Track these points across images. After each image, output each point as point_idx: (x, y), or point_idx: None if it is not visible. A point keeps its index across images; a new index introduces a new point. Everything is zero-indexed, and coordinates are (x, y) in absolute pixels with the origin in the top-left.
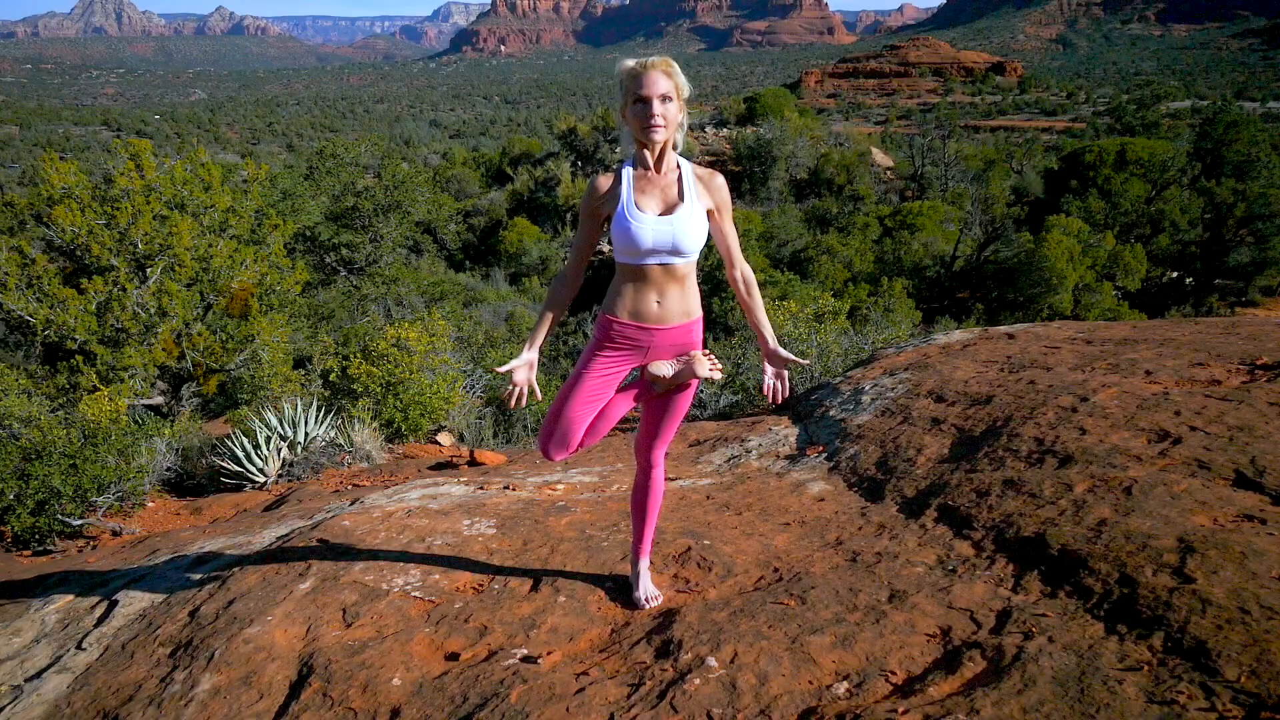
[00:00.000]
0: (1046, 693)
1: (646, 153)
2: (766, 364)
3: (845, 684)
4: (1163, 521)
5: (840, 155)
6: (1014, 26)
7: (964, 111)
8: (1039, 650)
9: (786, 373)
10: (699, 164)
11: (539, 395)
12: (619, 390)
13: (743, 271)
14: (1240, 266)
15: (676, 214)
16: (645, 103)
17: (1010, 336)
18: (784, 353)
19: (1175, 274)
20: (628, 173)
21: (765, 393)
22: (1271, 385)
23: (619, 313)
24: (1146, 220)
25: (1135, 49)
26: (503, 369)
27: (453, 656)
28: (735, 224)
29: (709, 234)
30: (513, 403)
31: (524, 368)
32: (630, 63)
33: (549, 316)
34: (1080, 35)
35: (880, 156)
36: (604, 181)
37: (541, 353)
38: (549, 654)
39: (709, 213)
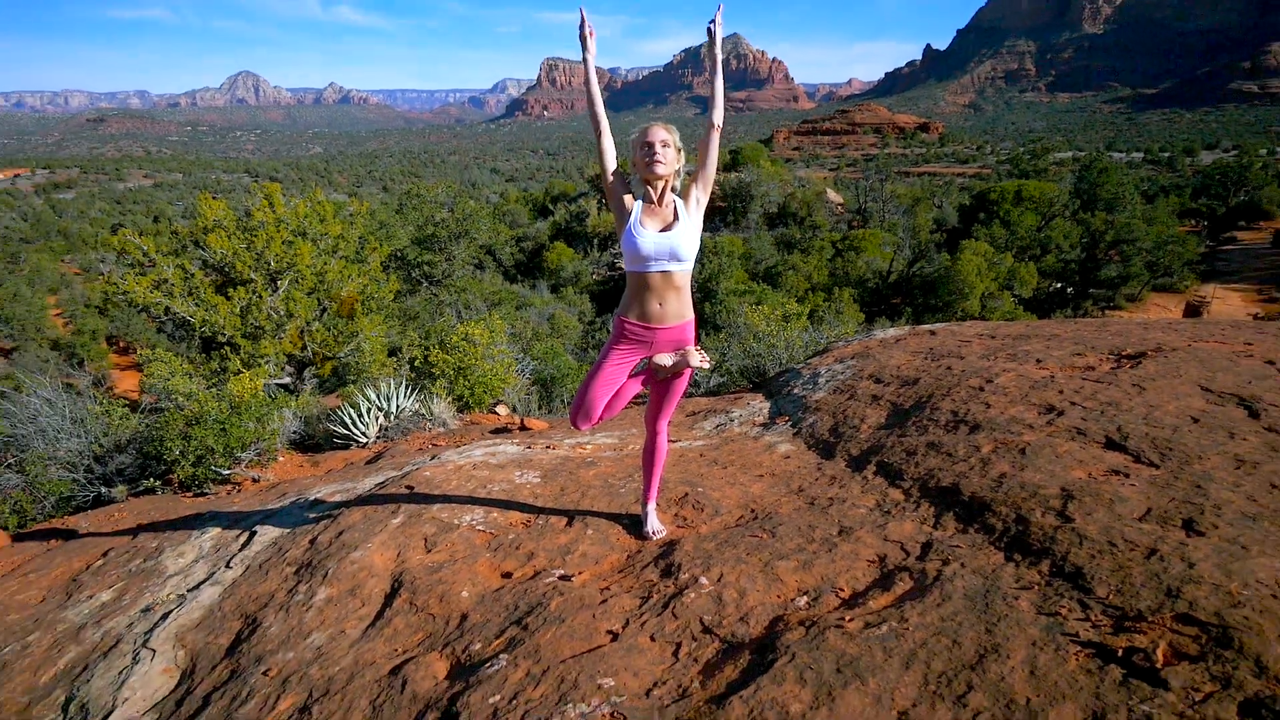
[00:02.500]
0: (959, 605)
1: (650, 189)
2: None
3: (805, 598)
4: (1049, 475)
5: (802, 194)
6: (936, 95)
7: (897, 160)
8: (954, 573)
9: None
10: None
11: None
12: (631, 376)
13: (711, 128)
14: (1109, 279)
15: (673, 230)
16: (649, 146)
17: (932, 333)
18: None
19: (1059, 285)
20: (638, 205)
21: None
22: (1134, 370)
23: (630, 315)
24: (1037, 244)
25: (1029, 112)
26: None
27: (507, 575)
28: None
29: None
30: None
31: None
32: (639, 128)
33: (597, 108)
34: (987, 101)
35: (833, 195)
36: (627, 197)
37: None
38: (580, 574)
39: (700, 175)
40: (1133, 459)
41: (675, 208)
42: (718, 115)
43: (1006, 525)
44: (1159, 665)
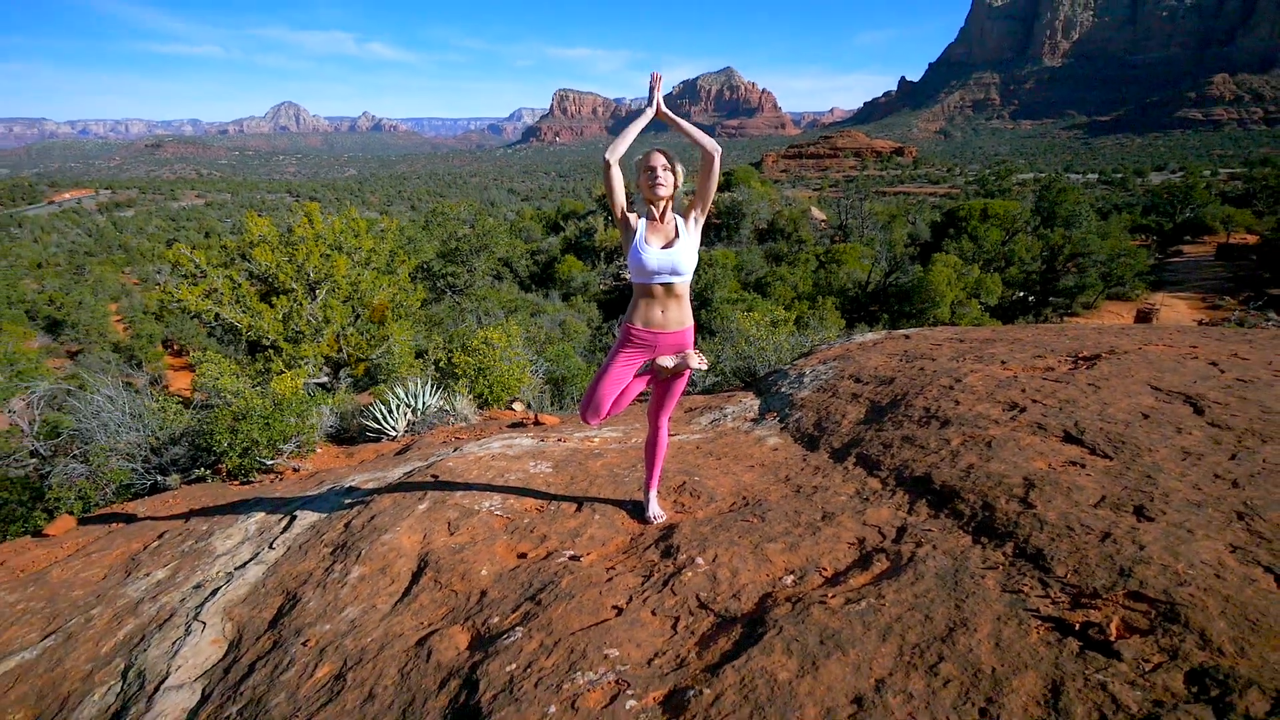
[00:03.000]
0: (931, 584)
1: (654, 208)
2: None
3: (792, 577)
4: (1013, 466)
5: (789, 212)
6: (910, 123)
7: (875, 181)
8: (926, 555)
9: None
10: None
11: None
12: (635, 376)
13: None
14: (1067, 289)
15: (674, 247)
16: (652, 170)
17: (907, 337)
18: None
19: (1022, 294)
20: (642, 222)
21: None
22: (1089, 371)
23: (636, 322)
24: (1002, 257)
25: (995, 138)
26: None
27: (523, 555)
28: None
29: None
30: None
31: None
32: (643, 151)
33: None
34: (957, 128)
35: (817, 212)
36: (631, 216)
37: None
38: (588, 554)
39: (698, 197)
40: (1089, 451)
41: (676, 225)
42: (709, 143)
43: (974, 511)
44: (1112, 638)
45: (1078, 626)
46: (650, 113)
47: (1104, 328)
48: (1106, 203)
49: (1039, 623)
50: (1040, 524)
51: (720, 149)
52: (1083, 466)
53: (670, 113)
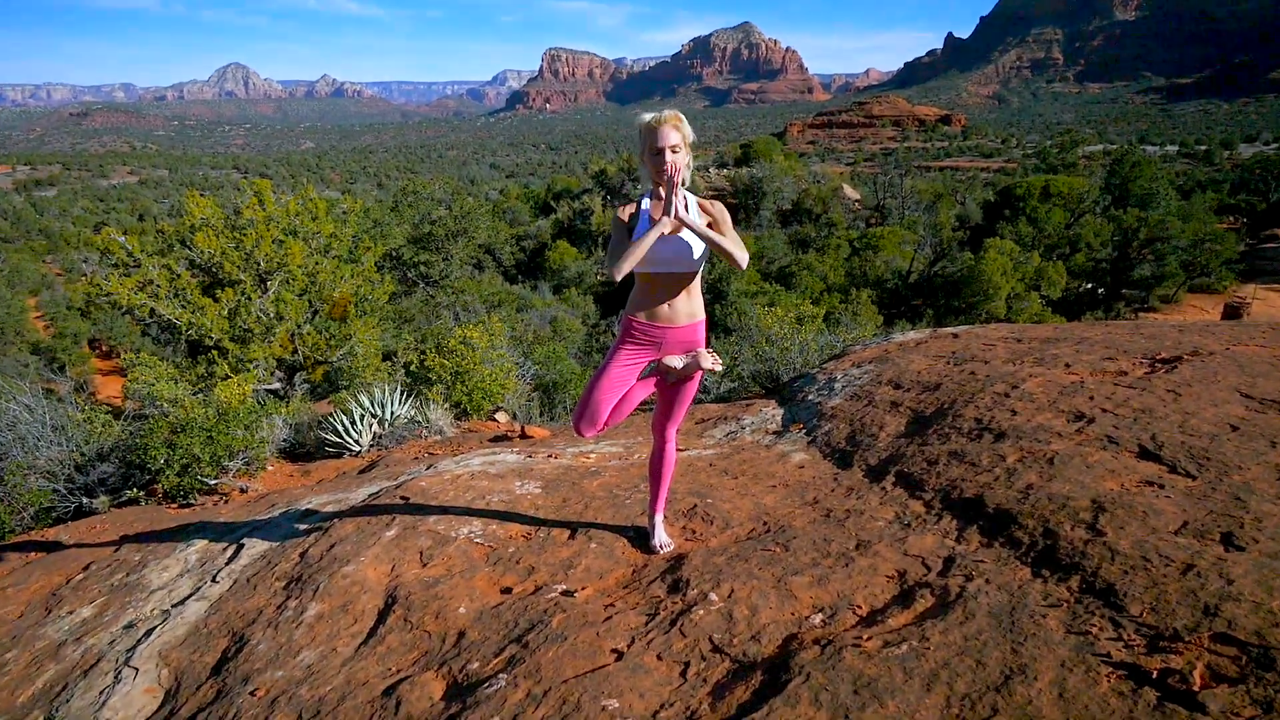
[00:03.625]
0: (983, 624)
1: (661, 189)
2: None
3: (820, 615)
4: (1079, 486)
5: (817, 190)
6: (959, 86)
7: (918, 154)
8: (978, 590)
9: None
10: (702, 196)
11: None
12: (639, 379)
13: (742, 258)
14: (1143, 279)
15: (684, 232)
16: (659, 154)
17: (955, 336)
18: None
19: (1089, 285)
20: (645, 202)
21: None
22: (1169, 375)
23: (638, 314)
24: (1066, 242)
25: (1057, 104)
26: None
27: (507, 590)
28: (737, 232)
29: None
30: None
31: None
32: (647, 117)
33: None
34: (1013, 93)
35: (850, 191)
36: (626, 210)
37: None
38: (583, 589)
39: (710, 226)
40: (1168, 469)
41: (686, 205)
42: (742, 258)
43: (1034, 539)
44: (1196, 688)
45: (1155, 674)
46: (666, 226)
47: (1186, 325)
48: (1188, 179)
49: (1110, 669)
50: (1111, 554)
51: (748, 262)
52: (1161, 487)
53: (691, 221)
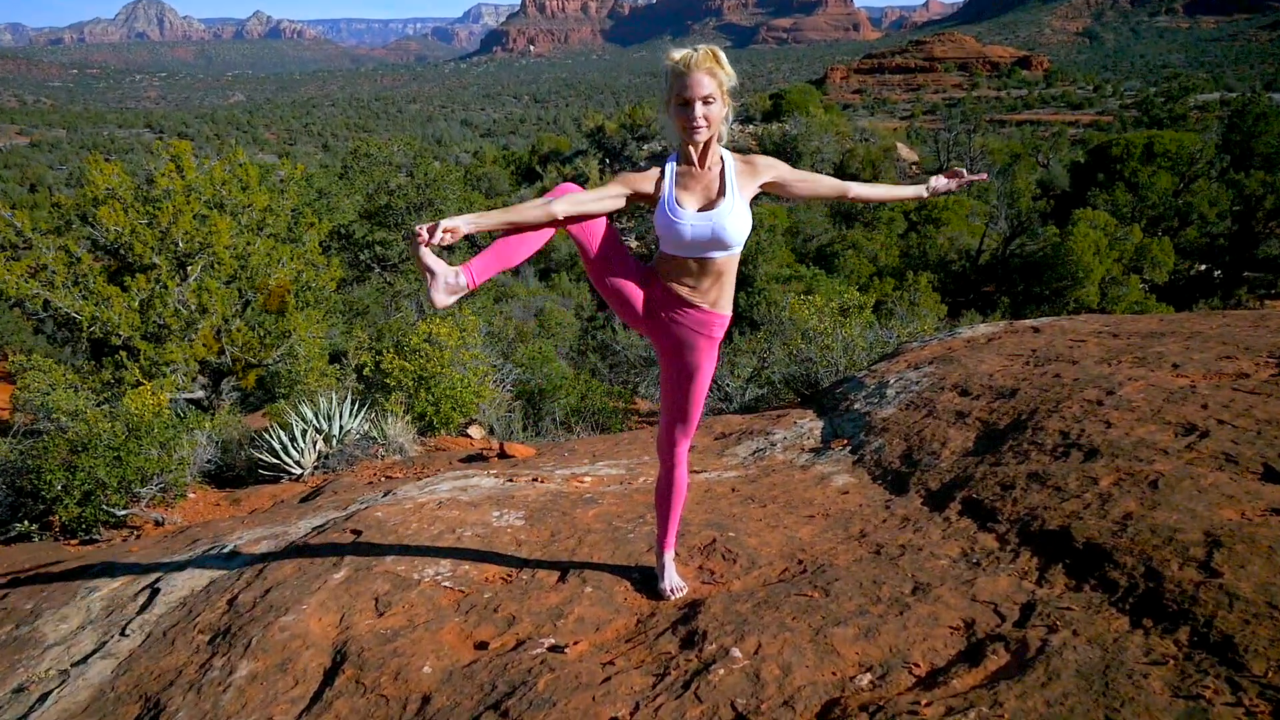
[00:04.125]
0: (1071, 686)
1: (690, 149)
2: (944, 182)
3: (869, 675)
4: (1189, 515)
5: (866, 150)
6: (1040, 20)
7: (989, 106)
8: (1063, 644)
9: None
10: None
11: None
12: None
13: (848, 187)
14: (1270, 259)
15: (716, 210)
16: (688, 105)
17: (1036, 330)
18: (942, 181)
19: (1203, 267)
20: (670, 168)
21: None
22: None
23: (663, 278)
24: (1174, 213)
25: (1162, 41)
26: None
27: (482, 645)
28: (801, 169)
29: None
30: (424, 230)
31: (458, 225)
32: (676, 56)
33: (501, 217)
34: (1107, 28)
35: (906, 151)
36: (647, 178)
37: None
38: (576, 643)
39: (771, 186)
40: None
41: (723, 170)
42: (858, 190)
43: (1133, 581)
44: None
45: None
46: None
47: None
48: None
49: None
50: (1229, 599)
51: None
52: None
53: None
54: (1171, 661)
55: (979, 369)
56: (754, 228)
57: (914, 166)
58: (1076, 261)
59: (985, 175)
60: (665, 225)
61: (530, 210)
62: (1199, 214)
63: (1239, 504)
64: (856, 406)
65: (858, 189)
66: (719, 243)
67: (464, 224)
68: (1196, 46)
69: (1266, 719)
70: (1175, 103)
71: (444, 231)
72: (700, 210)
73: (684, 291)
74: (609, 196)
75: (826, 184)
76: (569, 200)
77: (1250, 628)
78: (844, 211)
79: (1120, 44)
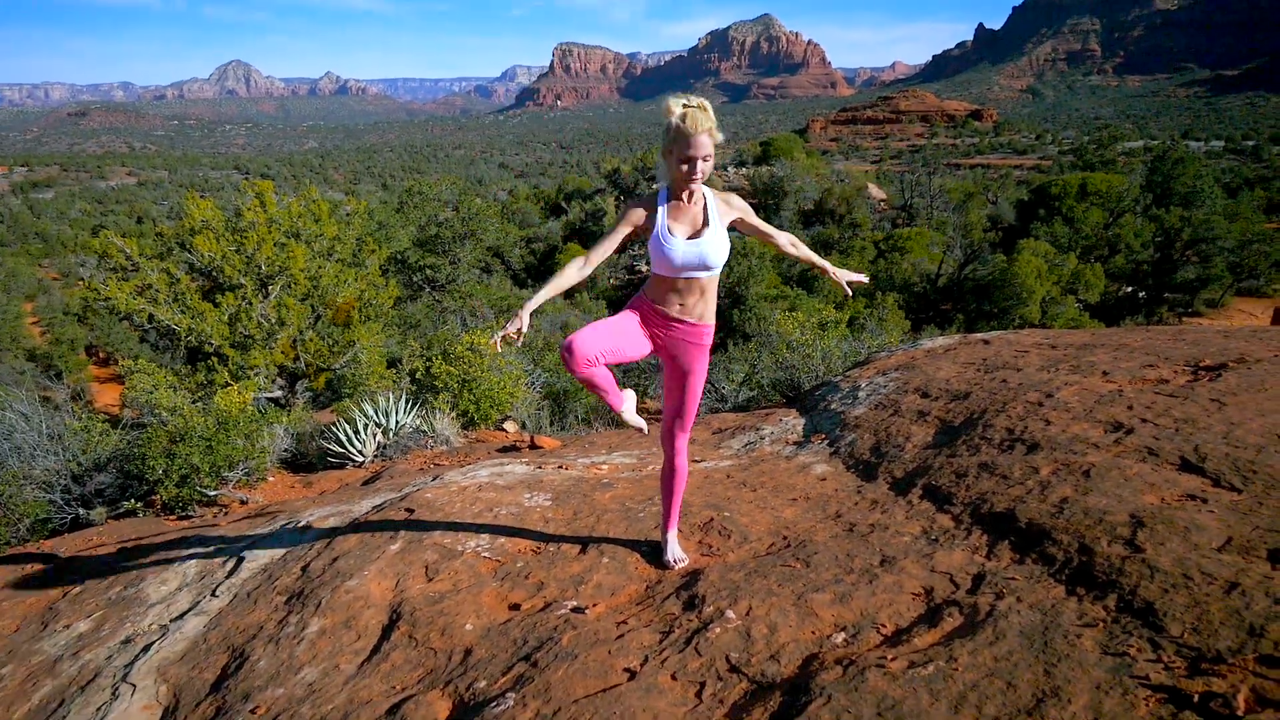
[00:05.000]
0: (1014, 644)
1: (684, 190)
2: (837, 275)
3: (843, 634)
4: (1116, 500)
5: (841, 189)
6: (990, 80)
7: (946, 152)
8: (1009, 608)
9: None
10: (717, 189)
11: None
12: (638, 348)
13: (786, 238)
14: (1186, 282)
15: (703, 237)
16: (691, 162)
17: (986, 342)
18: (844, 273)
19: (1129, 289)
20: (663, 202)
21: (847, 283)
22: (1213, 384)
23: (649, 295)
24: (1104, 243)
25: (1095, 97)
26: (507, 331)
27: (515, 606)
28: (760, 219)
29: (752, 233)
30: (511, 330)
31: (521, 319)
32: (677, 111)
33: (553, 291)
34: (1047, 86)
35: (875, 190)
36: (642, 209)
37: (533, 320)
38: (594, 606)
39: (738, 222)
40: (1211, 482)
41: (705, 205)
42: (792, 250)
43: (1068, 555)
44: (1240, 712)
45: (1196, 698)
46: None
47: (1232, 330)
48: (1235, 176)
49: (1149, 693)
50: (1151, 571)
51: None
52: (1204, 501)
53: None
54: (1101, 624)
55: (937, 375)
56: (744, 256)
57: (882, 203)
58: (1021, 284)
59: (865, 279)
60: (660, 251)
61: (569, 276)
62: (1126, 244)
63: (1159, 490)
64: (833, 406)
65: (791, 250)
66: (704, 265)
67: (525, 314)
68: (1124, 101)
69: (1182, 672)
70: (1105, 149)
71: (515, 332)
72: (689, 238)
73: (674, 310)
74: (617, 235)
75: (777, 237)
76: (593, 255)
77: (1169, 596)
78: (823, 241)
79: (1059, 99)
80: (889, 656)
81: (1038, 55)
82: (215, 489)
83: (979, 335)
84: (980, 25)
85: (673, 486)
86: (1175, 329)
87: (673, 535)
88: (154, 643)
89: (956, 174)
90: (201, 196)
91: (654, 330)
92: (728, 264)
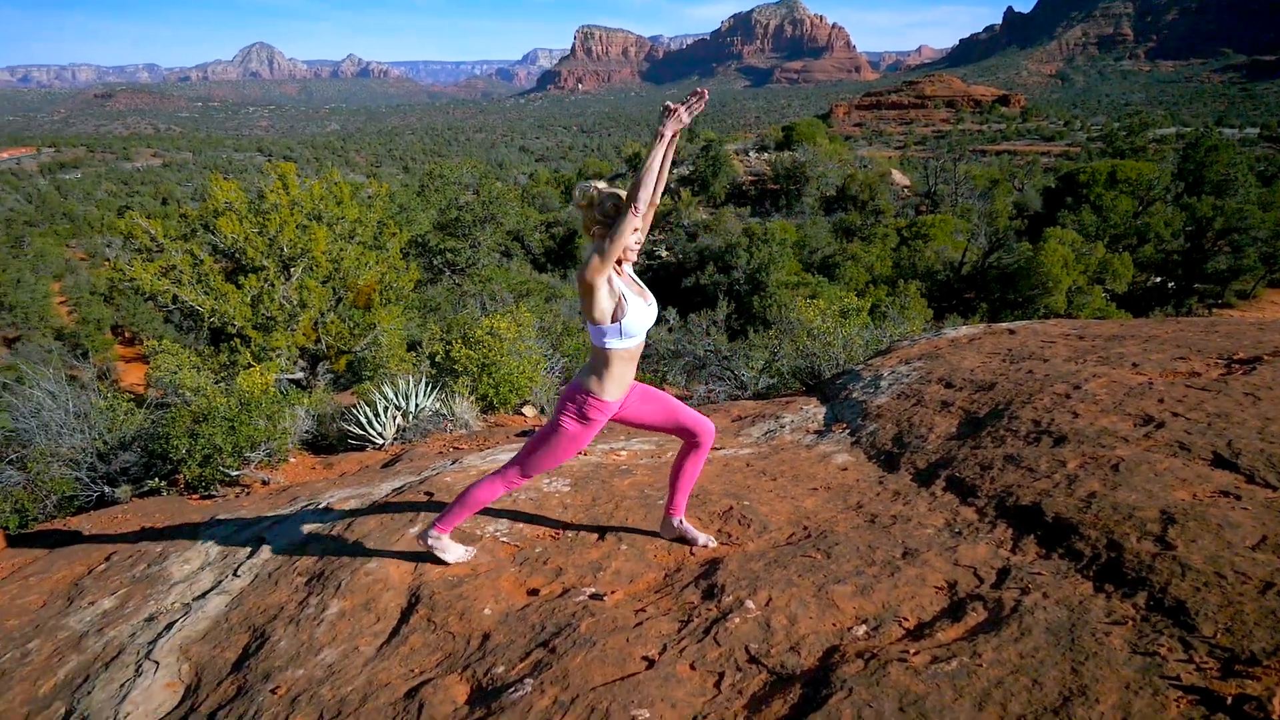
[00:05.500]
0: (1040, 640)
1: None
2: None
3: (864, 627)
4: (1146, 495)
5: (864, 175)
6: (1018, 64)
7: (973, 138)
8: (1034, 604)
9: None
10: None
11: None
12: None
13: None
14: (1218, 273)
15: (651, 299)
16: (637, 232)
17: (1011, 332)
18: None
19: (1159, 279)
20: (612, 273)
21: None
22: (1246, 377)
23: (609, 394)
24: (1133, 232)
25: (1126, 82)
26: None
27: (534, 592)
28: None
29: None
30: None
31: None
32: (606, 194)
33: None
34: (1077, 71)
35: (899, 176)
36: (605, 274)
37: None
38: (613, 593)
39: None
40: (1245, 478)
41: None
42: (643, 194)
43: (1096, 551)
44: (1275, 716)
45: (1230, 700)
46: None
47: (1266, 323)
48: (1270, 164)
49: (1179, 694)
50: (1182, 569)
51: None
52: (1237, 497)
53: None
54: (1130, 622)
55: (961, 365)
56: (766, 241)
57: (906, 190)
58: (1047, 273)
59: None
60: (637, 319)
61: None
62: (1155, 233)
63: (1191, 486)
64: (854, 395)
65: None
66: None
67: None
68: (1155, 87)
69: (1214, 673)
70: (1136, 136)
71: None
72: (647, 305)
73: (629, 376)
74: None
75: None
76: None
77: (1201, 594)
78: (845, 228)
79: (1089, 85)
80: (911, 650)
81: (1068, 39)
82: (237, 469)
83: (1004, 325)
84: (1009, 8)
85: (684, 476)
86: (1207, 321)
87: (678, 520)
88: (177, 621)
89: (982, 160)
90: (225, 178)
91: (624, 405)
92: (749, 250)
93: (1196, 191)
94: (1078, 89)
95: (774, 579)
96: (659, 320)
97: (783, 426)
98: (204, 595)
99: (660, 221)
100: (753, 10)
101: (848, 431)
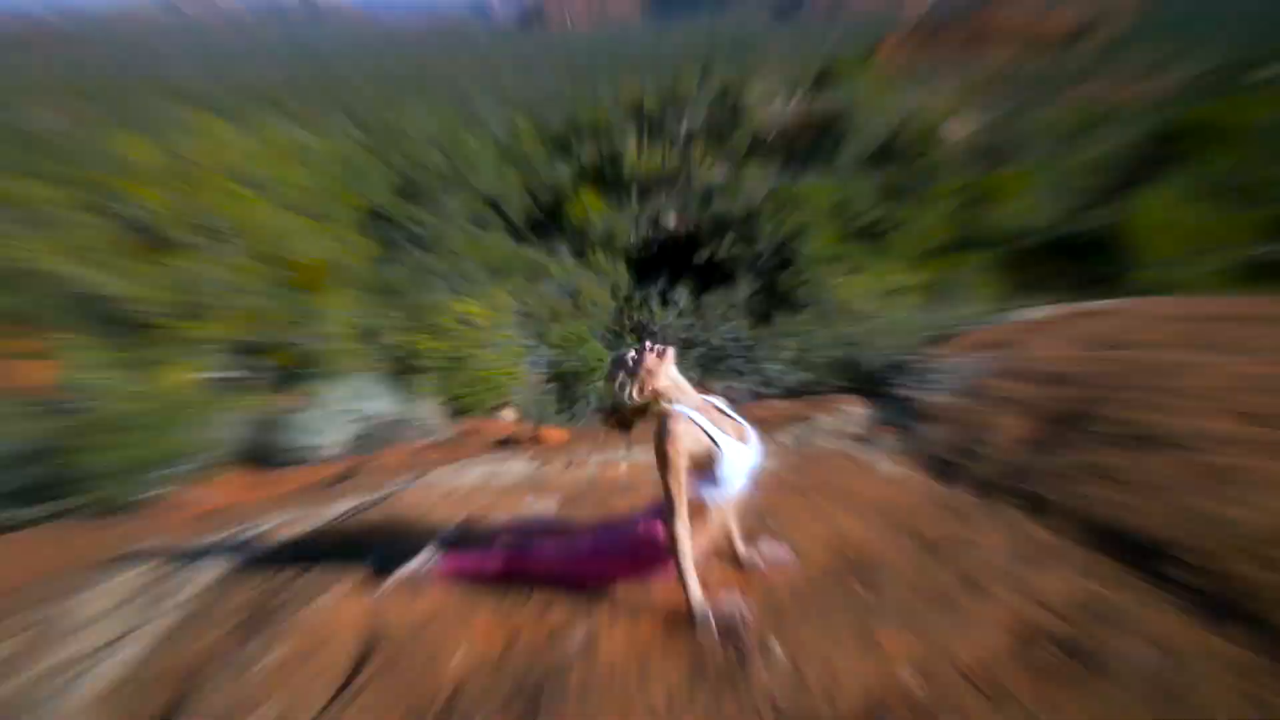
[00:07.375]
0: (1129, 688)
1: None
2: None
3: (913, 672)
4: (1258, 510)
5: (918, 124)
6: None
7: (1052, 76)
8: (1121, 645)
9: None
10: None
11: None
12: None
13: None
14: None
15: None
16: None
17: (1096, 313)
18: None
19: None
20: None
21: None
22: None
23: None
24: (1249, 192)
25: (1242, 4)
26: None
27: (514, 635)
28: None
29: None
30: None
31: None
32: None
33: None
34: None
35: (960, 125)
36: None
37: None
38: (610, 635)
39: None
40: None
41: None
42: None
43: (1194, 578)
44: None
45: None
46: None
47: None
48: None
49: None
50: None
51: None
52: None
53: None
54: (1239, 666)
55: (1038, 353)
56: (797, 205)
57: (969, 141)
58: (1141, 241)
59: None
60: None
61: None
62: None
63: None
64: (905, 393)
65: None
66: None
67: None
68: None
69: None
70: (1253, 73)
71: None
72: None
73: None
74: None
75: None
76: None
77: None
78: (894, 188)
79: (1197, 6)
80: (970, 701)
81: None
82: (160, 487)
83: (1089, 304)
84: None
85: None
86: None
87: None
88: (89, 670)
89: (1063, 104)
90: (140, 136)
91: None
92: (778, 217)
93: None
94: (1183, 10)
95: (805, 615)
96: (667, 305)
97: (817, 431)
98: (121, 639)
99: (667, 183)
100: None
101: (897, 436)
